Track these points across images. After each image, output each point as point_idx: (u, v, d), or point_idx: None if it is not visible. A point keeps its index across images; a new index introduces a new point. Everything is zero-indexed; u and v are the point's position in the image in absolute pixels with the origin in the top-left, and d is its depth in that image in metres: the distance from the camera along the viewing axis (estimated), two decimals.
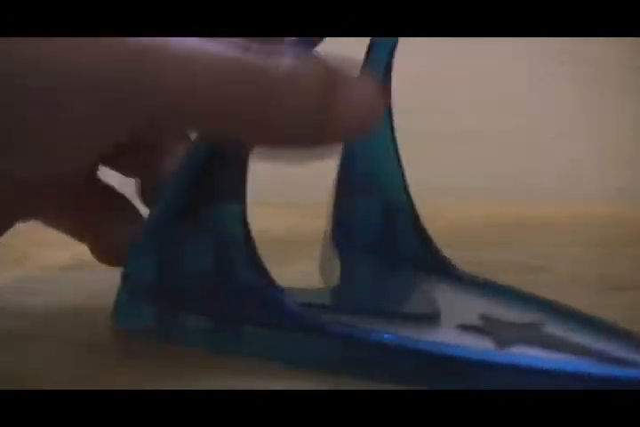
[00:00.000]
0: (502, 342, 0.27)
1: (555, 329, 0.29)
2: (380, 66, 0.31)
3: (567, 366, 0.26)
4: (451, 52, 0.51)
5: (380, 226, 0.34)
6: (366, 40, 0.31)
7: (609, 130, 0.51)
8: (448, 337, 0.27)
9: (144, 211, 0.29)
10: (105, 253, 0.30)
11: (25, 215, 0.28)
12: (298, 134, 0.24)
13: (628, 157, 0.50)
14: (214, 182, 0.27)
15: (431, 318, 0.29)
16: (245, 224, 0.27)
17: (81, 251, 0.30)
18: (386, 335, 0.26)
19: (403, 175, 0.33)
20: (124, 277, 0.29)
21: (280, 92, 0.23)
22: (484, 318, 0.29)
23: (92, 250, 0.30)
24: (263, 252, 0.27)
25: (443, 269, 0.33)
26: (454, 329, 0.28)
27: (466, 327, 0.28)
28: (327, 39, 0.26)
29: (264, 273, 0.27)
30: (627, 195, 0.47)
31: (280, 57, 0.23)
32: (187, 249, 0.28)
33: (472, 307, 0.30)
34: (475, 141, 0.54)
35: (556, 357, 0.27)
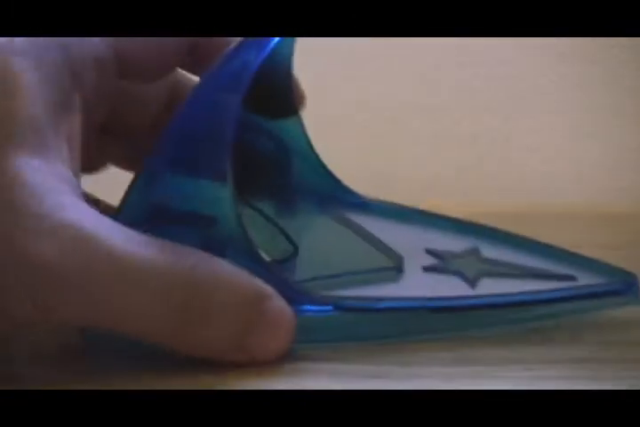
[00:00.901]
0: (470, 280, 0.30)
1: (493, 253, 0.32)
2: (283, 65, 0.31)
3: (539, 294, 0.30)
4: (455, 52, 0.50)
5: (279, 168, 0.34)
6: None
7: (616, 130, 0.51)
8: (426, 285, 0.30)
9: None
10: None
11: None
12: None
13: (636, 157, 0.51)
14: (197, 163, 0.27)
15: (399, 267, 0.31)
16: (235, 207, 0.27)
17: None
18: (392, 302, 0.28)
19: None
20: None
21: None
22: (431, 252, 0.32)
23: None
24: None
25: (361, 206, 0.34)
26: (422, 275, 0.31)
27: (429, 269, 0.31)
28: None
29: (258, 256, 0.28)
30: (635, 195, 0.48)
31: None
32: None
33: (413, 242, 0.33)
34: (481, 141, 0.54)
35: (521, 284, 0.30)
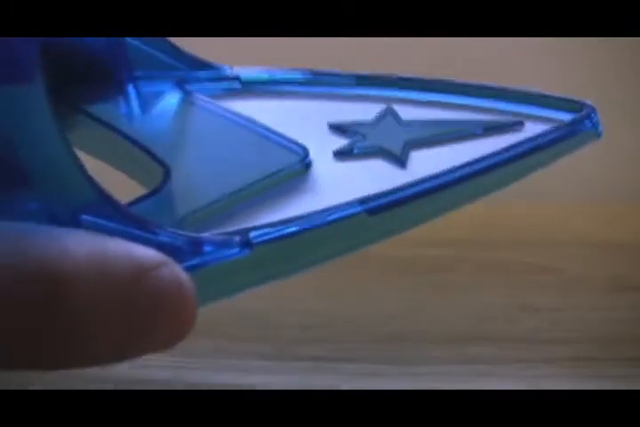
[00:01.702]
0: (397, 158, 0.24)
1: (414, 111, 0.25)
2: None
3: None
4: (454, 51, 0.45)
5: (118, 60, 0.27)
6: None
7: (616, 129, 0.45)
8: (346, 180, 0.23)
9: None
10: None
11: None
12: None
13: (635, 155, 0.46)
14: None
15: (305, 162, 0.24)
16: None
17: None
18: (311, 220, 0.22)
19: None
20: None
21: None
22: (338, 128, 0.25)
23: None
24: None
25: (232, 82, 0.27)
26: (336, 165, 0.24)
27: (342, 154, 0.24)
28: None
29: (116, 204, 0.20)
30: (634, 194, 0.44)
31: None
32: None
33: (311, 119, 0.25)
34: None
35: (462, 148, 0.24)
